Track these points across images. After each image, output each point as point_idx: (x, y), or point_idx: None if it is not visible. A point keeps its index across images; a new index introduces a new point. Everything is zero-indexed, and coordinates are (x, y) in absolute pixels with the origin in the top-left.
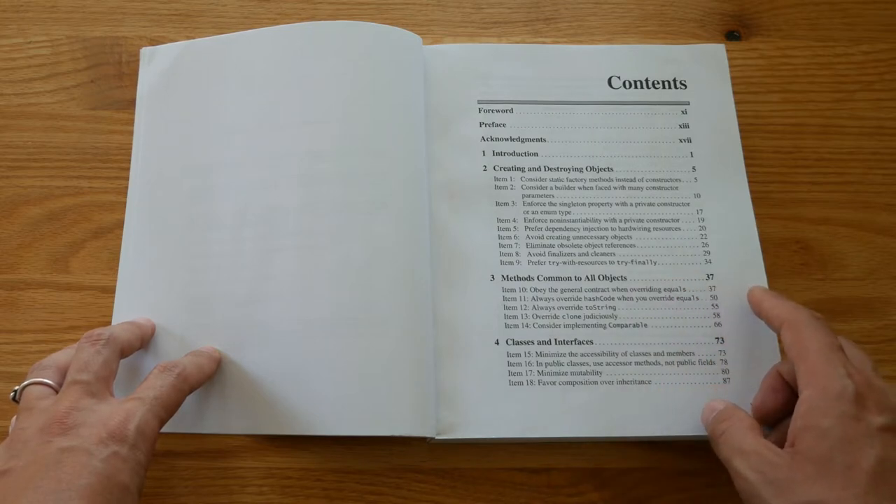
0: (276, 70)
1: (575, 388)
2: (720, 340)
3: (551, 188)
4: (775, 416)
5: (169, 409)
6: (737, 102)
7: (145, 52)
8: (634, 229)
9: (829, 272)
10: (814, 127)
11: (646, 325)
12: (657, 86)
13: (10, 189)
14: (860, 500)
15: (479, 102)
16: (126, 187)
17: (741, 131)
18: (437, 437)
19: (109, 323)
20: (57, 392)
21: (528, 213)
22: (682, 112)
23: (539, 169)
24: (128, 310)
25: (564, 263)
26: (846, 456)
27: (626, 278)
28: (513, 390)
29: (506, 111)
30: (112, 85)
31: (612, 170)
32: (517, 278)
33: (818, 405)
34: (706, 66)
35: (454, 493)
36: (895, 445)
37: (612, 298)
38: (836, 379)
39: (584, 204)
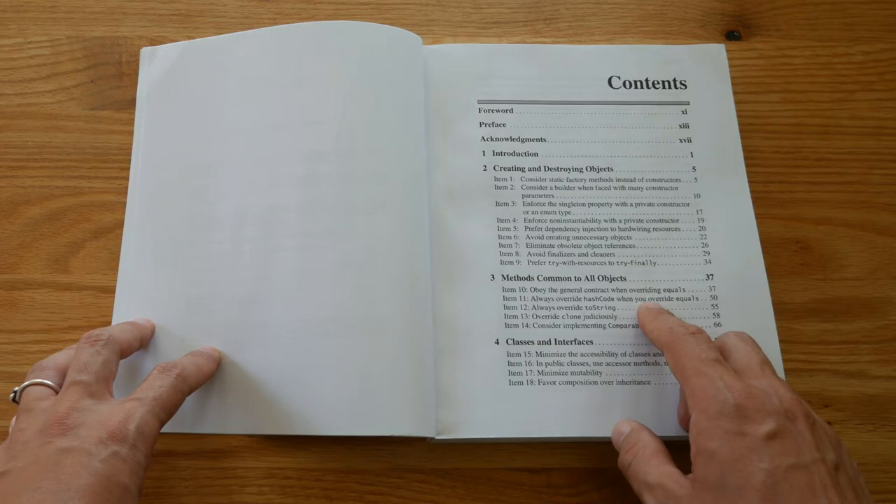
0: (276, 70)
1: (575, 388)
2: None
3: (551, 188)
4: None
5: (168, 409)
6: (737, 102)
7: (145, 52)
8: (634, 230)
9: (829, 272)
10: (814, 127)
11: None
12: (657, 86)
13: (10, 189)
14: None
15: (479, 102)
16: (126, 187)
17: (741, 131)
18: (437, 437)
19: (109, 323)
20: (57, 393)
21: (528, 213)
22: (682, 112)
23: (539, 169)
24: (128, 310)
25: (564, 264)
26: (736, 476)
27: (625, 279)
28: (513, 390)
29: (506, 111)
30: (112, 85)
31: (612, 170)
32: (517, 278)
33: (704, 427)
34: (706, 66)
35: (454, 493)
36: (783, 451)
37: (612, 299)
38: (714, 396)
39: (583, 204)
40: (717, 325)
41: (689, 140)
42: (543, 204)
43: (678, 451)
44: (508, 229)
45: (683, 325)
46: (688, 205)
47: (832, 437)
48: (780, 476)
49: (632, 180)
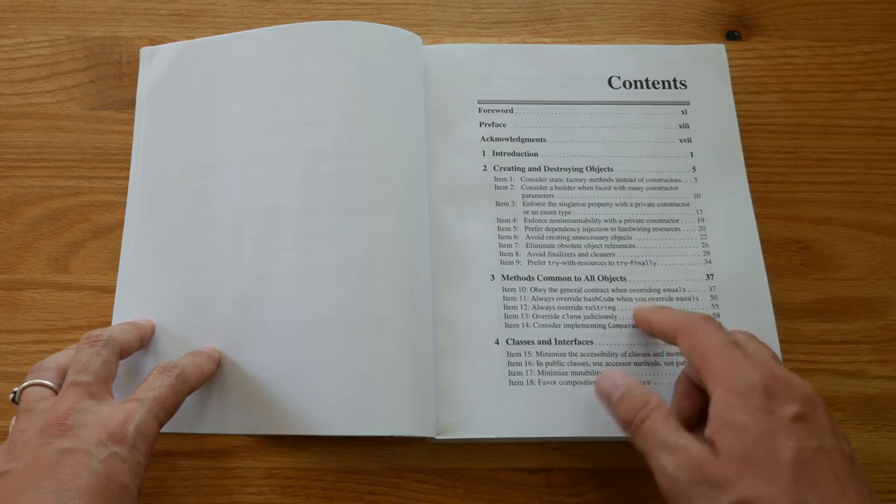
0: (276, 70)
1: (575, 388)
2: None
3: (551, 188)
4: (691, 422)
5: (168, 409)
6: (737, 102)
7: (145, 52)
8: (634, 230)
9: (829, 272)
10: (814, 127)
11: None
12: (657, 86)
13: (10, 189)
14: (788, 495)
15: (479, 102)
16: (126, 187)
17: (741, 131)
18: (437, 437)
19: (109, 323)
20: (56, 393)
21: (528, 213)
22: (682, 112)
23: (539, 169)
24: (128, 310)
25: (564, 264)
26: (766, 450)
27: (625, 279)
28: (513, 390)
29: (506, 111)
30: (112, 85)
31: (612, 170)
32: (517, 278)
33: (731, 402)
34: (706, 66)
35: (454, 493)
36: (808, 434)
37: (612, 299)
38: (742, 374)
39: (583, 204)
40: None
41: (689, 140)
42: (543, 204)
43: None
44: (508, 229)
45: (694, 312)
46: (688, 205)
47: (842, 433)
48: (808, 457)
49: (632, 180)
